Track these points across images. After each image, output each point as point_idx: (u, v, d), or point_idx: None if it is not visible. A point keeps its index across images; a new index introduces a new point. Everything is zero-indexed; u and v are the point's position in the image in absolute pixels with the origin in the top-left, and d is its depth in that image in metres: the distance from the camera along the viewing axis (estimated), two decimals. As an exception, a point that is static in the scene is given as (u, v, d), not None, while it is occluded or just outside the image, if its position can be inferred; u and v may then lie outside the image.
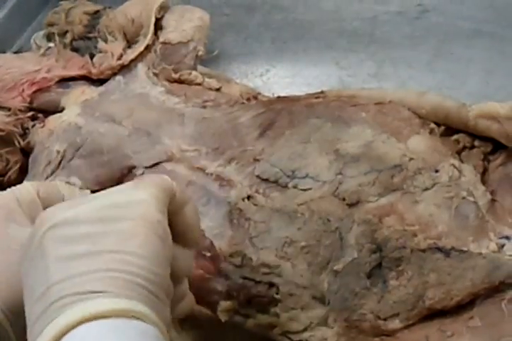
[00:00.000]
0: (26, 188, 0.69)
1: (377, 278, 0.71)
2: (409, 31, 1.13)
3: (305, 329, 0.71)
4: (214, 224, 0.75)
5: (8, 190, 0.70)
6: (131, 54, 0.99)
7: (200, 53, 0.98)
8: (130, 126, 0.87)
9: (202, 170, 0.80)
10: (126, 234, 0.52)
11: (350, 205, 0.73)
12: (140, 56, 0.99)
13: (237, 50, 1.16)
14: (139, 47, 0.99)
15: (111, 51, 1.01)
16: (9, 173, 0.97)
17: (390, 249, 0.71)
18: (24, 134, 0.97)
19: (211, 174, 0.79)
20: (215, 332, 0.75)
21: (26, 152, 0.97)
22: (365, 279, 0.71)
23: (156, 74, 0.96)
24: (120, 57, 0.99)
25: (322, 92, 0.89)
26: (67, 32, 1.08)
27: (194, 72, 0.96)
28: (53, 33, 1.08)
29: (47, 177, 0.88)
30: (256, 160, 0.79)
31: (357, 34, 1.14)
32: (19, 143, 0.97)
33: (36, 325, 0.50)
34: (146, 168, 0.83)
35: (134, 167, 0.83)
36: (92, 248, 0.52)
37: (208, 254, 0.73)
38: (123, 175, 0.84)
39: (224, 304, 0.72)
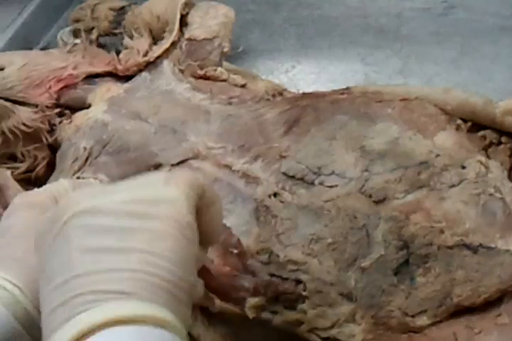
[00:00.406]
0: (64, 186, 0.69)
1: (404, 275, 0.71)
2: (435, 28, 1.12)
3: (332, 326, 0.71)
4: (241, 222, 0.75)
5: (45, 187, 0.70)
6: (157, 50, 1.00)
7: (225, 49, 0.99)
8: (156, 123, 0.88)
9: (228, 167, 0.80)
10: (156, 234, 0.51)
11: (377, 202, 0.73)
12: (166, 53, 0.99)
13: (263, 47, 1.16)
14: (165, 44, 1.00)
15: (137, 48, 1.01)
16: (37, 169, 0.98)
17: (417, 245, 0.71)
18: (51, 130, 0.98)
19: (237, 171, 0.79)
20: (242, 328, 0.75)
21: (54, 148, 0.98)
22: (392, 276, 0.70)
23: (181, 71, 0.96)
24: (146, 54, 1.00)
25: (347, 88, 0.88)
26: (93, 28, 1.09)
27: (219, 69, 0.96)
28: (79, 29, 1.09)
29: (74, 173, 0.89)
30: (282, 157, 0.79)
31: (382, 30, 1.14)
32: (46, 139, 0.98)
33: (52, 316, 0.49)
34: (173, 165, 0.83)
35: (160, 165, 0.83)
36: (119, 244, 0.50)
37: (235, 251, 0.73)
38: (150, 173, 0.84)
39: (251, 301, 0.72)
